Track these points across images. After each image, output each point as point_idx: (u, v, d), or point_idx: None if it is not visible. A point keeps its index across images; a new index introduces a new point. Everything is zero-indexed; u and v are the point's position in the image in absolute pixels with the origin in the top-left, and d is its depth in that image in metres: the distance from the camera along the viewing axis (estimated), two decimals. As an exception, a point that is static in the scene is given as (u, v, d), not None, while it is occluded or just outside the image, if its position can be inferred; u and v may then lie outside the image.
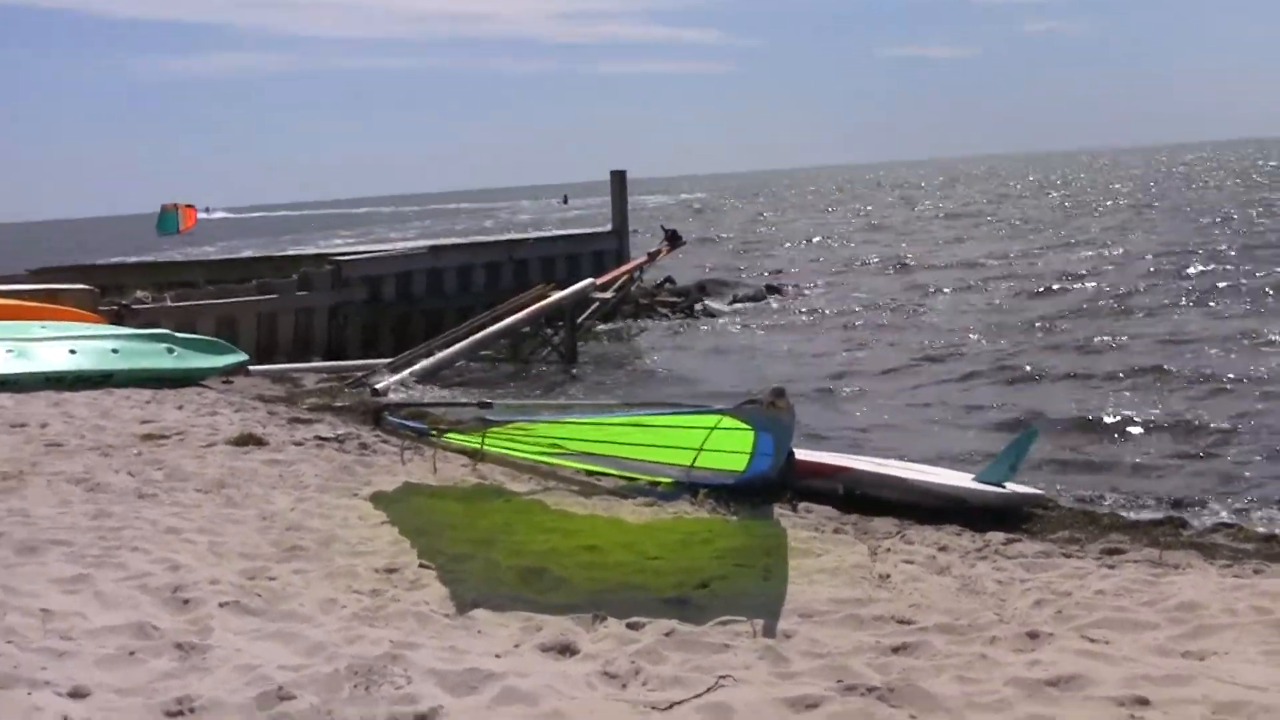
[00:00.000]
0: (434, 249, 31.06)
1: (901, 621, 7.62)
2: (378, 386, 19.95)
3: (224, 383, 19.46)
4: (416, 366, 21.49)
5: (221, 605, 7.59)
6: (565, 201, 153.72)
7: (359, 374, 21.56)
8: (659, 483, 12.02)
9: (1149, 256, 41.18)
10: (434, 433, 13.03)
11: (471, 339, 22.96)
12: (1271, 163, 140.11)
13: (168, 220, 34.49)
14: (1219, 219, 56.36)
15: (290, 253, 39.99)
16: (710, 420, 11.12)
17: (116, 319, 22.11)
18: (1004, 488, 11.71)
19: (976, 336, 26.55)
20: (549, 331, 26.69)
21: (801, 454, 12.11)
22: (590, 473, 12.49)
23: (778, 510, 11.01)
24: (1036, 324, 27.67)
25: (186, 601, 7.69)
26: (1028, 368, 22.07)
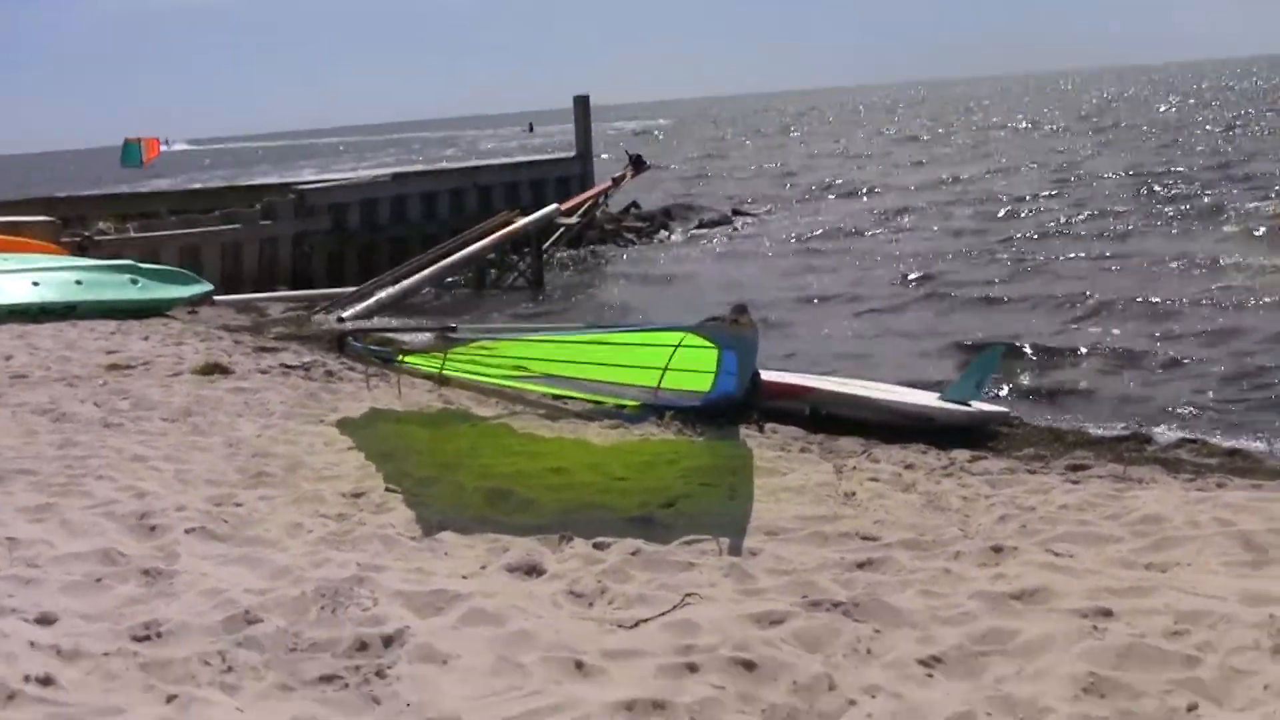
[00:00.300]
0: (397, 176, 30.97)
1: (866, 538, 7.65)
2: (343, 315, 19.92)
3: (189, 313, 19.44)
4: (382, 294, 21.47)
5: (188, 531, 7.58)
6: (531, 130, 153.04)
7: (324, 302, 21.54)
8: (625, 405, 12.04)
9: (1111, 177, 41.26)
10: (398, 357, 13.01)
11: (437, 266, 22.93)
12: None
13: (130, 152, 34.25)
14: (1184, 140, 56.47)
15: (254, 182, 39.80)
16: (674, 338, 11.12)
17: (80, 251, 22.00)
18: (970, 406, 11.77)
19: (939, 261, 26.55)
20: (514, 258, 26.65)
21: (767, 375, 12.14)
22: (556, 396, 12.51)
23: (744, 431, 11.05)
24: (1000, 249, 27.69)
25: (153, 528, 7.68)
26: (991, 291, 22.12)
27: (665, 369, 11.42)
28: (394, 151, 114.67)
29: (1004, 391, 14.13)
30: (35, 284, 17.90)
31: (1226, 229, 27.66)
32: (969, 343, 17.59)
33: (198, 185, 44.09)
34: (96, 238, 23.59)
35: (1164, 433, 12.17)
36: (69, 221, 26.13)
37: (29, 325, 16.48)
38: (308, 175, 45.91)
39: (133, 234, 24.94)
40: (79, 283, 18.28)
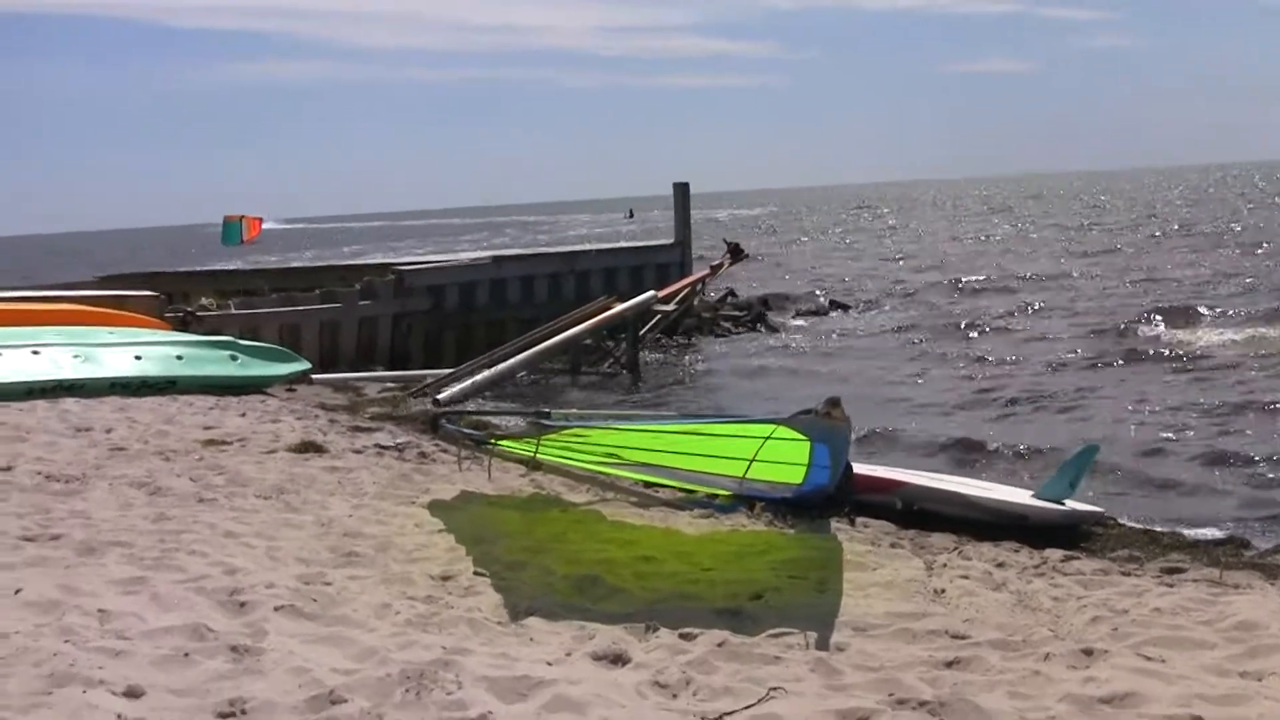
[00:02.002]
0: (497, 259, 31.14)
1: (955, 636, 7.58)
2: (439, 396, 20.03)
3: (287, 390, 19.60)
4: (478, 377, 21.55)
5: (276, 609, 7.62)
6: (631, 216, 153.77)
7: (421, 383, 21.66)
8: (717, 495, 12.02)
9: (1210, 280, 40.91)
10: (491, 441, 13.06)
11: (533, 350, 23.01)
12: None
13: (231, 231, 34.87)
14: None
15: (354, 262, 40.19)
16: (765, 430, 11.11)
17: (182, 326, 22.27)
18: (1063, 505, 11.66)
19: (1037, 360, 26.33)
20: (610, 344, 26.72)
21: (859, 468, 12.09)
22: (647, 484, 12.51)
23: (834, 524, 11.00)
24: (1099, 348, 27.45)
25: (242, 604, 7.73)
26: (1092, 395, 21.88)
27: (753, 460, 11.41)
28: (489, 235, 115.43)
29: (1099, 491, 13.96)
30: (137, 358, 18.13)
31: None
32: (1066, 440, 17.46)
33: (298, 264, 44.57)
34: (198, 313, 23.87)
35: (1262, 537, 12.01)
36: (172, 297, 26.48)
37: (130, 398, 16.70)
38: (406, 256, 46.44)
39: (234, 310, 25.23)
40: (179, 358, 18.51)
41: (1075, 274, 45.65)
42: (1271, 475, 14.92)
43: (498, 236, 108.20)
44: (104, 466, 12.18)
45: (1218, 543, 11.38)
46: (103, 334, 18.94)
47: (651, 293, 27.19)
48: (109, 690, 6.10)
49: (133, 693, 6.13)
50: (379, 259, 39.71)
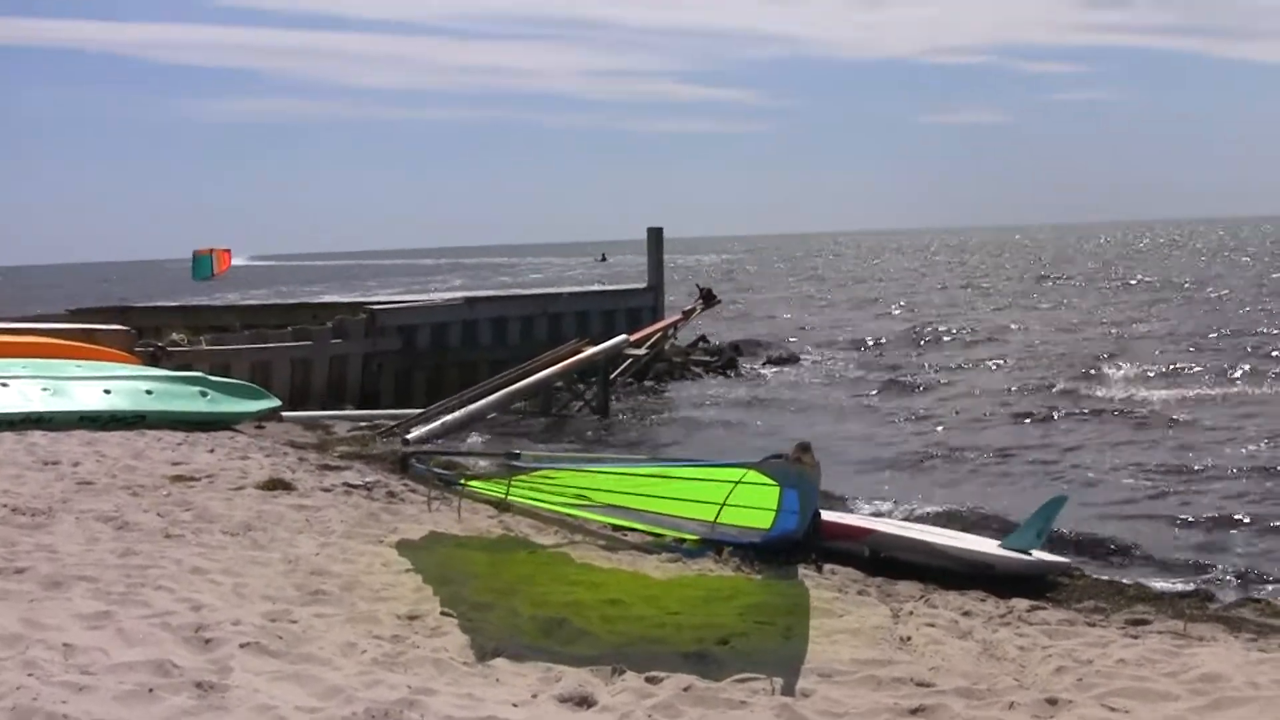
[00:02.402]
0: (469, 300, 31.15)
1: (921, 684, 7.60)
2: (409, 436, 20.01)
3: (256, 427, 19.57)
4: (449, 417, 21.52)
5: (242, 646, 7.60)
6: (603, 259, 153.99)
7: (391, 423, 21.63)
8: (685, 540, 12.02)
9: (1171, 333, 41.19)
10: (461, 481, 13.05)
11: (504, 392, 23.00)
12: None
13: (202, 265, 34.62)
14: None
15: (326, 300, 40.15)
16: (735, 474, 11.12)
17: (152, 361, 22.23)
18: (1030, 555, 11.69)
19: (1004, 409, 26.41)
20: (582, 387, 26.73)
21: (828, 515, 12.13)
22: (616, 527, 12.51)
23: (802, 570, 11.02)
24: (1066, 396, 27.57)
25: (208, 641, 7.70)
26: (1059, 444, 21.97)
27: (724, 504, 11.42)
28: (464, 276, 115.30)
29: (1065, 542, 13.98)
30: (107, 392, 18.09)
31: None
32: (1035, 489, 17.54)
33: (271, 301, 44.50)
34: (169, 349, 23.81)
35: (1227, 590, 12.06)
36: (143, 331, 26.44)
37: (99, 432, 16.66)
38: (376, 295, 46.37)
39: (205, 346, 25.18)
40: (149, 393, 18.46)
41: (1036, 326, 45.88)
42: (1235, 530, 14.97)
43: (458, 277, 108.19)
44: (71, 500, 12.14)
45: (1182, 595, 11.43)
46: (72, 367, 18.89)
47: (624, 336, 27.24)
48: (72, 725, 6.08)
49: (96, 728, 6.11)
50: (351, 298, 39.68)
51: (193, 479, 13.69)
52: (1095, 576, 12.16)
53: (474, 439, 21.95)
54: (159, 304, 39.74)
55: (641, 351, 28.36)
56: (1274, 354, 33.25)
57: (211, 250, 33.27)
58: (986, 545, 12.15)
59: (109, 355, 20.83)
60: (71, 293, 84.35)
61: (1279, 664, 8.07)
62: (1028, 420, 24.31)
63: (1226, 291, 59.69)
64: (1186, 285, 67.28)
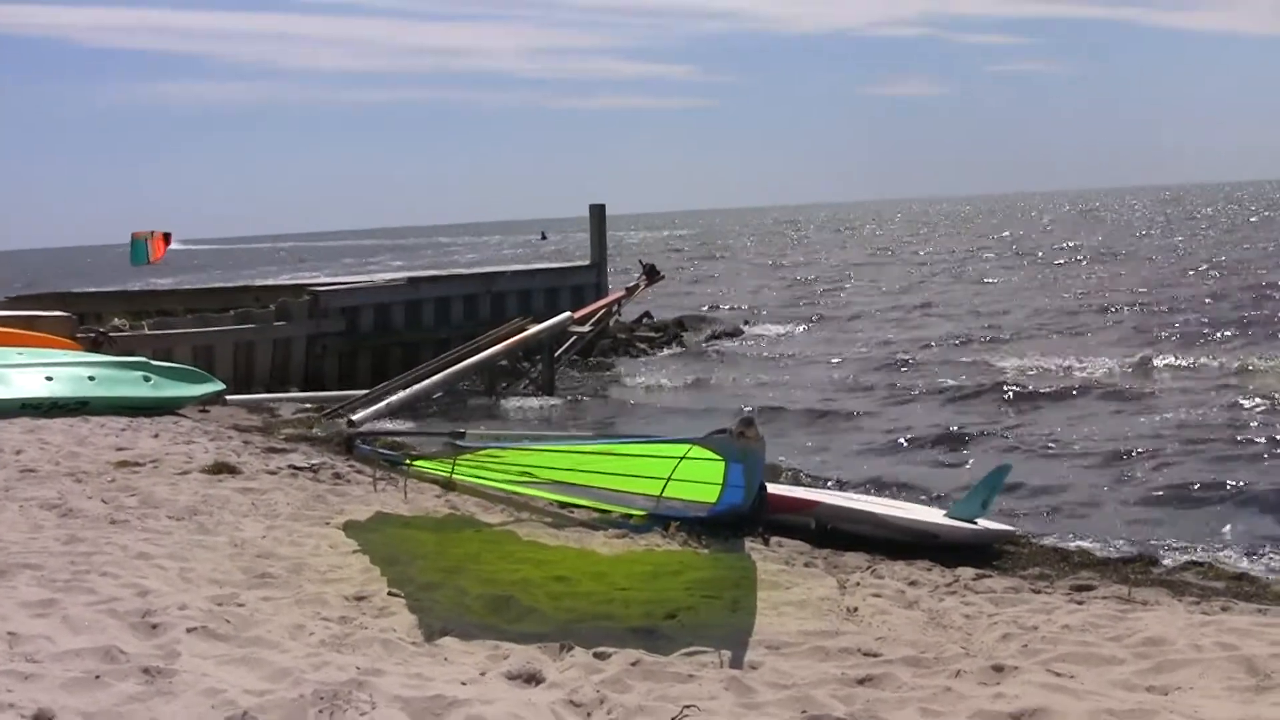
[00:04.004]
0: (412, 281, 31.06)
1: (868, 654, 7.64)
2: (354, 417, 19.96)
3: (200, 411, 19.48)
4: (393, 398, 21.48)
5: (189, 630, 7.57)
6: (544, 238, 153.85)
7: (335, 405, 21.57)
8: (631, 515, 12.05)
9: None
10: (407, 461, 13.03)
11: (448, 371, 22.97)
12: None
13: (139, 250, 34.05)
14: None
15: (268, 282, 39.95)
16: (680, 450, 11.14)
17: (94, 347, 22.07)
18: (975, 524, 11.76)
19: (949, 374, 26.60)
20: (526, 365, 26.73)
21: (774, 488, 12.16)
22: (563, 504, 12.52)
23: (749, 544, 11.06)
24: (1007, 363, 27.76)
25: (155, 626, 7.67)
26: (1001, 408, 22.15)
27: (668, 479, 11.43)
28: (405, 257, 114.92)
29: (1010, 510, 14.08)
30: (49, 379, 17.95)
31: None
32: (979, 454, 17.68)
33: (214, 285, 44.28)
34: (111, 334, 23.66)
35: (1171, 555, 12.17)
36: (84, 317, 26.30)
37: (41, 420, 16.53)
38: (317, 277, 46.14)
39: (147, 331, 25.04)
40: (92, 379, 18.34)
41: (981, 296, 46.17)
42: (1178, 496, 15.11)
43: (396, 258, 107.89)
44: (14, 488, 12.05)
45: (1126, 560, 11.52)
46: (12, 355, 18.73)
47: (567, 314, 27.23)
48: (18, 714, 6.05)
49: (42, 716, 6.08)
50: (293, 280, 39.47)
51: (137, 464, 13.62)
52: (1040, 544, 12.26)
53: (418, 421, 21.90)
54: (100, 290, 39.48)
55: (585, 329, 28.36)
56: (1191, 324, 33.50)
57: (150, 234, 32.89)
58: (932, 515, 12.22)
59: (50, 342, 20.68)
60: (10, 279, 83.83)
61: (1221, 626, 8.15)
62: (966, 391, 24.41)
63: (1155, 258, 60.12)
64: (1121, 254, 67.71)
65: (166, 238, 33.10)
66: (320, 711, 6.28)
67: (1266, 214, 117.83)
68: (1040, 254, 72.34)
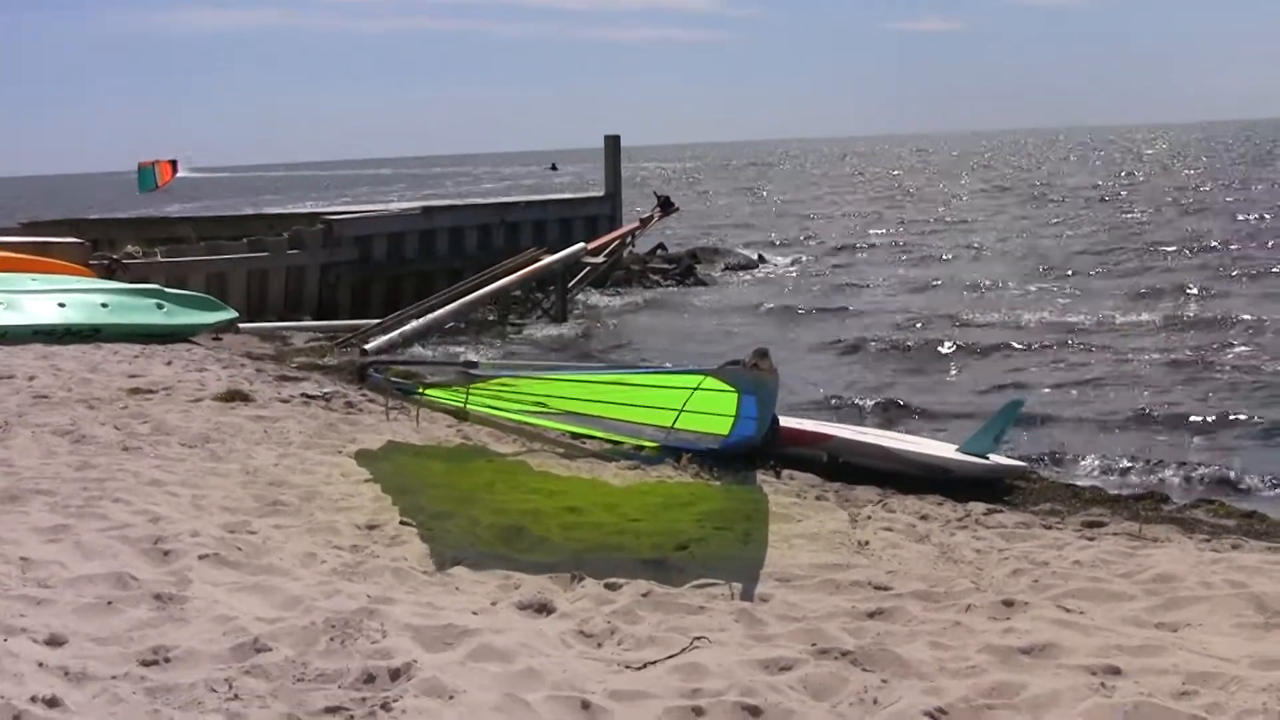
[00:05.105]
0: (426, 210, 30.99)
1: (878, 587, 7.64)
2: (367, 346, 19.98)
3: (213, 339, 19.49)
4: (406, 327, 21.51)
5: (201, 557, 7.59)
6: (554, 169, 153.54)
7: (348, 334, 21.59)
8: (644, 446, 12.05)
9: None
10: (419, 390, 13.03)
11: (462, 301, 22.98)
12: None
13: (146, 177, 34.05)
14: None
15: (282, 211, 39.89)
16: (693, 380, 11.11)
17: (107, 273, 22.07)
18: (987, 459, 11.75)
19: (968, 309, 26.59)
20: (539, 296, 26.72)
21: (786, 421, 12.14)
22: (575, 435, 12.52)
23: (761, 476, 11.05)
24: (1028, 295, 27.75)
25: (166, 553, 7.69)
26: (1017, 342, 22.12)
27: (681, 410, 11.41)
28: (416, 186, 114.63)
29: (1023, 445, 14.08)
30: (61, 305, 17.97)
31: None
32: (994, 388, 17.67)
33: (226, 213, 44.25)
34: (124, 261, 23.66)
35: (1182, 492, 12.18)
36: (97, 244, 26.27)
37: (54, 346, 16.55)
38: (325, 206, 46.06)
39: (160, 259, 25.02)
40: (105, 305, 18.35)
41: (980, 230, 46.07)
42: (1190, 433, 15.11)
43: (430, 189, 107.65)
44: (26, 414, 12.08)
45: (1137, 497, 11.50)
46: (26, 280, 18.74)
47: (581, 245, 27.19)
48: (30, 638, 6.07)
49: (55, 640, 6.11)
50: (307, 208, 39.42)
51: (150, 391, 13.64)
52: (1052, 480, 12.24)
53: (431, 351, 21.91)
54: (113, 216, 39.44)
55: (599, 260, 28.34)
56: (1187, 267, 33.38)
57: (155, 162, 32.84)
58: (944, 449, 12.20)
59: (63, 268, 20.67)
60: (24, 205, 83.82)
61: (1231, 564, 8.14)
62: (981, 324, 24.41)
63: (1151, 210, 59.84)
64: (1107, 196, 67.45)
65: (174, 165, 33.03)
66: (331, 639, 6.30)
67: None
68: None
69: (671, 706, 5.69)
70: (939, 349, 21.77)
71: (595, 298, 29.66)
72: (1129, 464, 13.64)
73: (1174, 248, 36.84)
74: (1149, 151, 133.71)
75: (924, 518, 9.77)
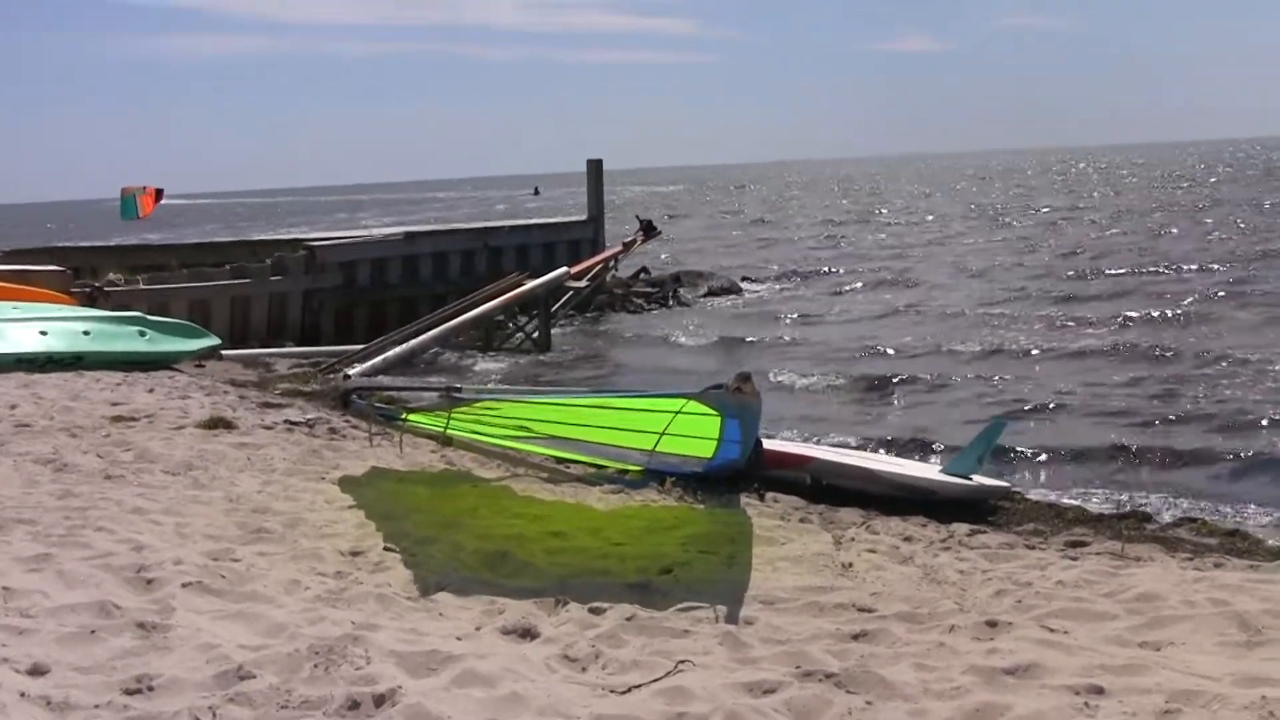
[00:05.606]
0: (409, 235, 31.02)
1: (862, 609, 7.65)
2: (350, 372, 19.97)
3: (196, 366, 19.48)
4: (389, 353, 21.49)
5: (184, 585, 7.58)
6: (537, 193, 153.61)
7: (331, 360, 21.57)
8: (628, 470, 12.05)
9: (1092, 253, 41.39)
10: (402, 416, 13.02)
11: (445, 326, 22.97)
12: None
13: (128, 205, 33.87)
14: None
15: (264, 237, 39.87)
16: (676, 404, 11.11)
17: (89, 301, 22.06)
18: (970, 480, 11.76)
19: (945, 334, 26.61)
20: (523, 320, 26.72)
21: (770, 444, 12.16)
22: (559, 459, 12.52)
23: (744, 499, 11.06)
24: (1002, 321, 27.79)
25: (150, 581, 7.68)
26: (1001, 360, 22.20)
27: (662, 434, 11.41)
28: (397, 213, 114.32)
29: (1006, 466, 14.10)
30: (43, 333, 17.95)
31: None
32: (977, 412, 17.69)
33: (209, 239, 44.19)
34: (106, 289, 23.64)
35: (1164, 512, 12.19)
36: (79, 272, 26.26)
37: (35, 374, 16.54)
38: (309, 232, 45.96)
39: (142, 286, 25.00)
40: (87, 333, 18.34)
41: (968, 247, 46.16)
42: (1172, 453, 15.12)
43: (413, 214, 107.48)
44: (8, 443, 12.06)
45: (1121, 516, 11.53)
46: (7, 309, 18.71)
47: (564, 269, 27.24)
48: (12, 668, 6.06)
49: (37, 670, 6.09)
50: (290, 235, 39.37)
51: (132, 419, 13.62)
52: (1035, 500, 12.26)
53: (414, 377, 21.90)
54: (95, 244, 39.39)
55: (582, 284, 28.37)
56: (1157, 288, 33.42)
57: (141, 188, 32.72)
58: (927, 471, 12.22)
59: (45, 296, 20.65)
60: (4, 233, 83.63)
61: (1214, 582, 8.16)
62: (962, 348, 24.42)
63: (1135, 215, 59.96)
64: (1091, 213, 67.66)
65: (158, 194, 32.95)
66: (315, 666, 6.29)
67: None
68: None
69: (656, 730, 5.69)
70: (916, 374, 21.77)
71: (577, 321, 29.66)
72: (1111, 484, 13.67)
73: (1155, 269, 36.90)
74: (1130, 178, 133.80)
75: (907, 539, 9.79)
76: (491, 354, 25.48)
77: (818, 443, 14.87)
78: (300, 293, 26.88)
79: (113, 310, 20.86)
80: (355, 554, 8.70)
